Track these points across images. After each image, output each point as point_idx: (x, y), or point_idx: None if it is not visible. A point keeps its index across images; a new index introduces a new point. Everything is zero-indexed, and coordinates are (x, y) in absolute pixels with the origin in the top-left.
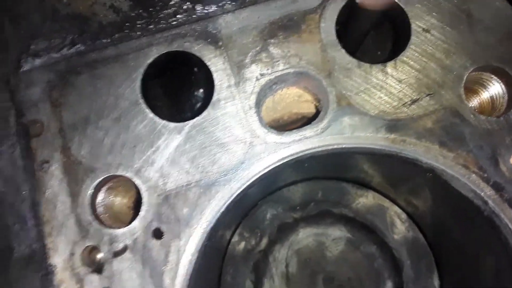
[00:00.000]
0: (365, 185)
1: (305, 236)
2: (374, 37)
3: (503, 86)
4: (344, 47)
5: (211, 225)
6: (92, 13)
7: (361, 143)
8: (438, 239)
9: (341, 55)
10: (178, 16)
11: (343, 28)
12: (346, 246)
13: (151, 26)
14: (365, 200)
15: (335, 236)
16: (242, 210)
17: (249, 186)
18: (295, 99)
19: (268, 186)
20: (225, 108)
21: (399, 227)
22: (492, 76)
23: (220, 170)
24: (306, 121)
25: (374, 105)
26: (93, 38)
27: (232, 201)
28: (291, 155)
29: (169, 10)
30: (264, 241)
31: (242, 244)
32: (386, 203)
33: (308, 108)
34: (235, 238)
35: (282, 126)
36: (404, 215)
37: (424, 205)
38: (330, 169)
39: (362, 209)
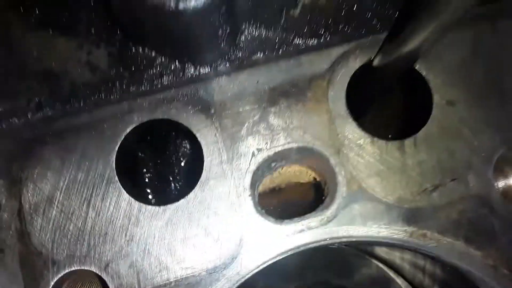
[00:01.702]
0: (369, 253)
1: None
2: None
3: None
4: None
5: None
6: (65, 70)
7: (374, 236)
8: None
9: (352, 129)
10: (164, 77)
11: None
12: None
13: (133, 89)
14: (368, 271)
15: None
16: None
17: (242, 285)
18: (296, 174)
19: None
20: (214, 190)
21: None
22: None
23: (207, 266)
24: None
25: (390, 190)
26: (64, 101)
27: None
28: (292, 249)
29: (154, 70)
30: None
31: None
32: (391, 274)
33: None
34: None
35: (278, 193)
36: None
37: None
38: None
39: (364, 281)
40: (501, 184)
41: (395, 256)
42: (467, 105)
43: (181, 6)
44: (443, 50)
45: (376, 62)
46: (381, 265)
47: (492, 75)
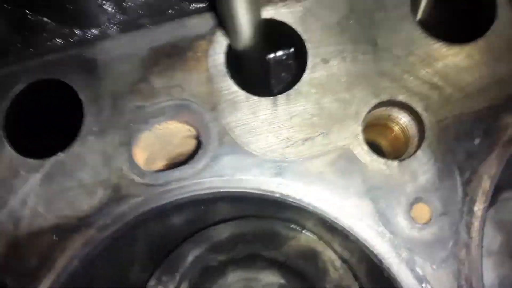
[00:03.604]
0: (300, 226)
1: (234, 280)
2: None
3: (413, 124)
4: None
5: (63, 278)
6: None
7: (242, 187)
8: None
9: (228, 86)
10: (54, 40)
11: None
12: None
13: (25, 52)
14: (297, 243)
15: (267, 282)
16: (161, 250)
17: (114, 233)
18: (184, 134)
19: (189, 224)
20: (92, 144)
21: (332, 275)
22: (402, 111)
23: (79, 215)
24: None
25: (260, 143)
26: None
27: (91, 251)
28: (162, 199)
29: (45, 35)
30: (184, 286)
31: None
32: (320, 247)
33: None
34: (152, 282)
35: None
36: (338, 262)
37: (357, 250)
38: (259, 208)
39: (294, 253)
40: (386, 137)
41: (324, 232)
42: (340, 62)
43: None
44: (321, 10)
45: None
46: (310, 236)
47: (366, 32)
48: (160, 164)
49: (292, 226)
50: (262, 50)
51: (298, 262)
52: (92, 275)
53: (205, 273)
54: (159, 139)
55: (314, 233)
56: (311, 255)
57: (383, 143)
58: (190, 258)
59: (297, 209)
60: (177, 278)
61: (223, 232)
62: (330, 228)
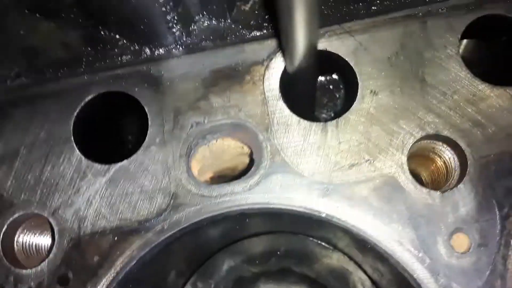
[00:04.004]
0: (332, 245)
1: None
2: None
3: (455, 158)
4: (292, 102)
5: (121, 276)
6: (43, 47)
7: (290, 205)
8: None
9: (281, 110)
10: (123, 56)
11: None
12: None
13: (96, 65)
14: (329, 261)
15: None
16: (197, 258)
17: (169, 238)
18: (235, 150)
19: (227, 235)
20: (154, 154)
21: None
22: (445, 145)
23: (139, 218)
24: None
25: (310, 165)
26: (38, 72)
27: (147, 253)
28: (215, 210)
29: (116, 50)
30: None
31: None
32: (351, 266)
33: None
34: (188, 287)
35: (222, 178)
36: (368, 282)
37: (389, 273)
38: (295, 225)
39: (325, 271)
40: (426, 168)
41: (356, 254)
42: (389, 95)
43: None
44: (373, 45)
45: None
46: (341, 256)
47: (415, 68)
48: (207, 175)
49: (325, 244)
50: (314, 75)
51: (329, 279)
52: (141, 276)
53: (238, 284)
54: (212, 154)
55: (345, 253)
56: (342, 274)
57: (424, 173)
58: (225, 267)
59: (332, 229)
60: (212, 285)
61: (257, 245)
62: (363, 250)
